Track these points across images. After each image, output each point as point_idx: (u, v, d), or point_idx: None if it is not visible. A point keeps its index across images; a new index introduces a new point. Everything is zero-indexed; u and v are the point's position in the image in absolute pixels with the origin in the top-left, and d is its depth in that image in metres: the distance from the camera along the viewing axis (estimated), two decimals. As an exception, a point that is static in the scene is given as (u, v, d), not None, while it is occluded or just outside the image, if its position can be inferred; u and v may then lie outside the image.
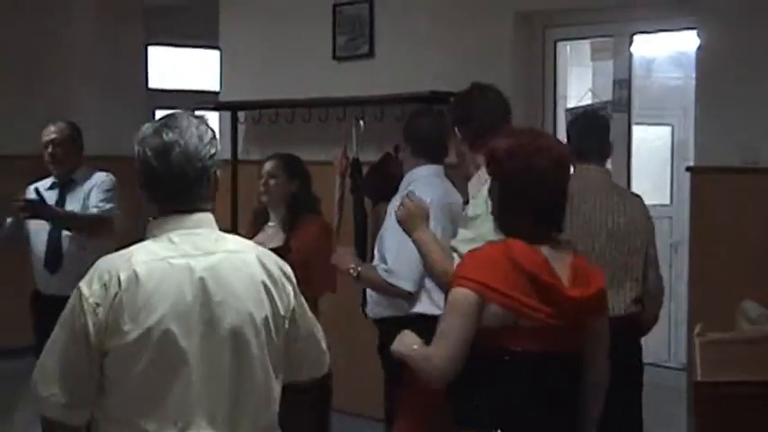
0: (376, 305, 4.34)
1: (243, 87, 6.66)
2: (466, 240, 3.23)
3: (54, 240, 5.15)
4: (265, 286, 2.37)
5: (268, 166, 4.74)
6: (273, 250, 4.49)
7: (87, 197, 5.20)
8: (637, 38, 5.35)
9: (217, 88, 7.10)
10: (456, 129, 3.81)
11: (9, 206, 5.05)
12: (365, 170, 5.57)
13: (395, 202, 3.95)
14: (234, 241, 2.43)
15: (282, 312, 2.40)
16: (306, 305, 2.51)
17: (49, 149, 5.23)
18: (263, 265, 2.40)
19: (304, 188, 4.75)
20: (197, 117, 2.42)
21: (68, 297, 5.18)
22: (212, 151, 2.37)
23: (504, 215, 2.85)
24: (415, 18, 5.72)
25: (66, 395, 2.26)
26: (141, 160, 2.35)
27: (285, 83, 6.35)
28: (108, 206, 5.17)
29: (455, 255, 3.29)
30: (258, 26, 6.64)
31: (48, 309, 5.07)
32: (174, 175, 2.32)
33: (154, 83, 8.75)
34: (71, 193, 5.23)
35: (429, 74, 5.48)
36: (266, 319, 2.35)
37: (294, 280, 2.48)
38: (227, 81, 6.91)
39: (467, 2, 5.52)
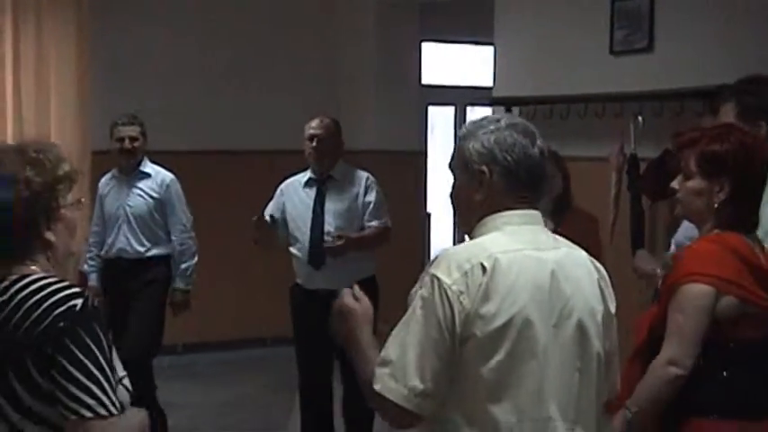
0: None
1: (517, 83, 6.64)
2: None
3: (317, 239, 5.34)
4: (599, 285, 2.44)
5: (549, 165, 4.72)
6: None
7: (355, 199, 5.34)
8: None
9: (490, 84, 7.12)
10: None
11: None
12: (642, 167, 5.45)
13: None
14: (564, 240, 2.49)
15: (612, 310, 2.46)
16: None
17: (314, 144, 5.37)
18: (594, 265, 2.48)
19: (569, 187, 4.75)
20: None
21: (334, 291, 5.36)
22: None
23: (731, 208, 2.89)
24: (699, 10, 5.49)
25: (424, 384, 2.26)
26: (508, 152, 2.37)
27: (560, 78, 6.28)
28: (383, 219, 5.34)
29: None
30: (533, 21, 6.60)
31: (313, 301, 5.32)
32: (533, 171, 2.40)
33: (427, 78, 8.87)
34: (331, 190, 5.38)
35: (712, 68, 5.26)
36: (603, 317, 2.41)
37: None
38: (501, 76, 6.91)
39: (756, -8, 5.26)
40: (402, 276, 3.58)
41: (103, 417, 2.08)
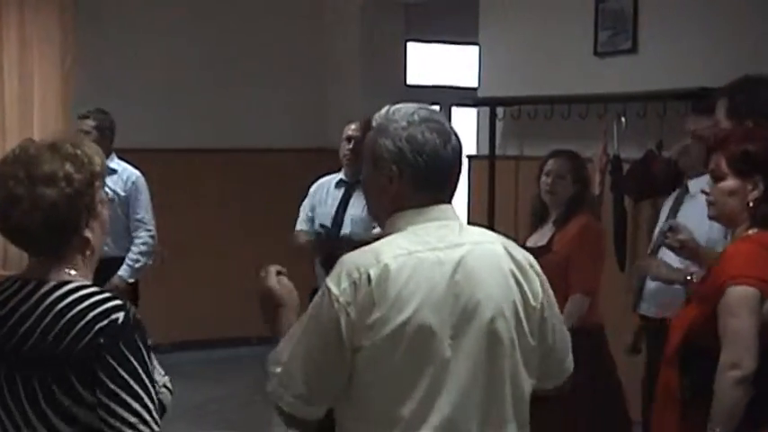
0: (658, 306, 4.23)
1: (502, 83, 6.67)
2: None
3: (326, 242, 5.33)
4: (514, 275, 2.30)
5: (557, 165, 4.67)
6: (537, 248, 4.54)
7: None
8: None
9: (475, 84, 7.14)
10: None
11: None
12: (626, 168, 5.48)
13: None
14: (478, 232, 2.38)
15: (533, 303, 2.32)
16: (554, 299, 2.42)
17: (350, 145, 5.35)
18: (510, 255, 2.33)
19: (583, 190, 4.70)
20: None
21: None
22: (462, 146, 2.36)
23: (766, 206, 2.88)
24: (682, 13, 5.53)
25: (310, 392, 2.24)
26: (414, 152, 2.28)
27: (544, 79, 6.31)
28: None
29: None
30: (518, 22, 6.63)
31: None
32: (445, 167, 2.30)
33: (412, 79, 8.88)
34: (356, 195, 5.32)
35: (695, 70, 5.30)
36: (516, 310, 2.28)
37: (541, 271, 2.39)
38: (485, 77, 6.94)
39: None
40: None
41: None
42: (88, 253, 2.24)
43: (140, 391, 2.08)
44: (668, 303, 4.02)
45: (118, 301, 2.14)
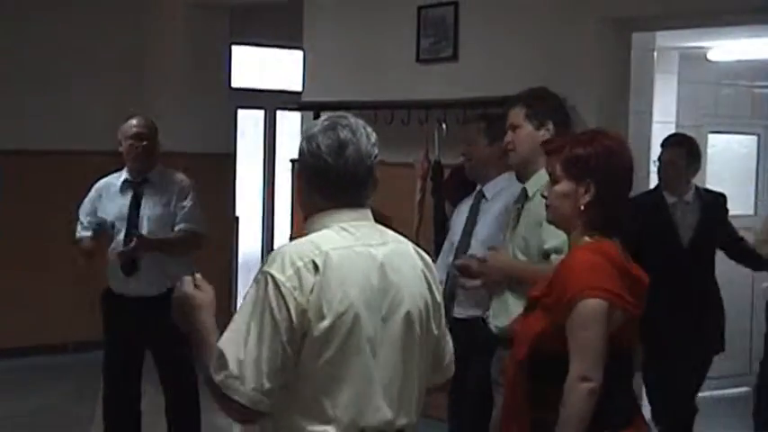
0: (457, 305, 4.33)
1: (325, 88, 6.69)
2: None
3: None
4: (425, 275, 2.52)
5: None
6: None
7: (168, 203, 5.16)
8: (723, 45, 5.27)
9: (299, 88, 7.15)
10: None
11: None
12: (446, 173, 5.58)
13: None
14: (392, 233, 2.55)
15: (439, 300, 2.56)
16: None
17: (143, 142, 5.14)
18: (420, 256, 2.55)
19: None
20: (360, 120, 2.53)
21: (143, 297, 5.18)
22: (376, 152, 2.50)
23: (597, 209, 2.92)
24: (500, 22, 5.69)
25: (266, 384, 2.28)
26: (313, 156, 2.43)
27: (368, 84, 6.36)
28: (192, 224, 5.15)
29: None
30: (342, 27, 6.67)
31: (121, 307, 5.16)
32: (348, 171, 2.43)
33: (236, 82, 8.82)
34: (147, 194, 5.17)
35: (512, 78, 5.44)
36: (428, 306, 2.50)
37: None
38: (309, 81, 6.94)
39: (551, 5, 5.48)
40: (210, 279, 3.54)
41: None
42: None
43: None
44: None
45: None
